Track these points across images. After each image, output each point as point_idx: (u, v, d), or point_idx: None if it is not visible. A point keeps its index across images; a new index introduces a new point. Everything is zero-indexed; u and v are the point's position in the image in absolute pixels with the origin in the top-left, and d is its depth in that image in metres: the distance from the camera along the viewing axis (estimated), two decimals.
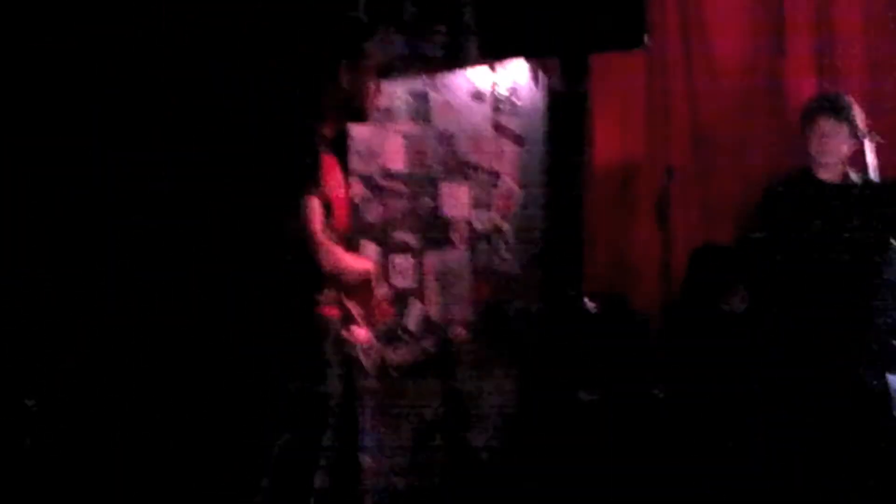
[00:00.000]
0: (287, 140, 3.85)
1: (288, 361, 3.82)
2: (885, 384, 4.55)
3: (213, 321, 4.99)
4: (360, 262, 4.00)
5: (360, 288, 3.86)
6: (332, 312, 3.75)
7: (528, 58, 5.32)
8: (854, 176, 4.74)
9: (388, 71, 4.92)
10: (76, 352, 5.03)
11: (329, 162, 3.77)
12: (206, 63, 5.01)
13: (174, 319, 4.99)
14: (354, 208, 4.89)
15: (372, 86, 3.90)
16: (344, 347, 3.78)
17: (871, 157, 4.73)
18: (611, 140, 5.85)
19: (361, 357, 3.88)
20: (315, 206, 3.63)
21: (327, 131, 3.81)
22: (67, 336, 5.02)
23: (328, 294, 3.74)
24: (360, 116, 3.94)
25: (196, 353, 5.02)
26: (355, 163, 4.96)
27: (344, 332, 3.77)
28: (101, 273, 5.07)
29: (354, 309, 3.82)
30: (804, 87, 5.59)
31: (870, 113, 4.85)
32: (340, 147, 4.53)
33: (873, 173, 4.73)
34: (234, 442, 4.79)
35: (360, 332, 3.83)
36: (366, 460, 4.93)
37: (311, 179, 3.65)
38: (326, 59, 3.93)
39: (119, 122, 5.13)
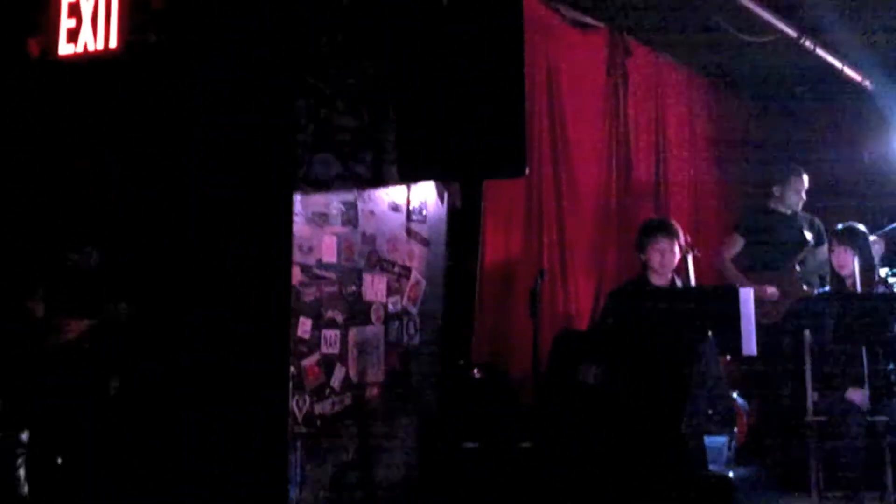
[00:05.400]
0: None
1: None
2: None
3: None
4: None
5: None
6: None
7: (436, 180, 5.86)
8: (678, 281, 5.77)
9: (327, 186, 5.42)
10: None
11: None
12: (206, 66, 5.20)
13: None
14: (294, 291, 5.22)
15: None
16: None
17: (691, 267, 5.75)
18: (498, 246, 6.44)
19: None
20: None
21: None
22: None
23: None
24: None
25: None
26: (296, 255, 5.27)
27: None
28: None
29: None
30: (644, 210, 6.51)
31: (691, 232, 5.82)
32: None
33: (692, 279, 5.75)
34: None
35: None
36: (294, 491, 5.25)
37: None
38: None
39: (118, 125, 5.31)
